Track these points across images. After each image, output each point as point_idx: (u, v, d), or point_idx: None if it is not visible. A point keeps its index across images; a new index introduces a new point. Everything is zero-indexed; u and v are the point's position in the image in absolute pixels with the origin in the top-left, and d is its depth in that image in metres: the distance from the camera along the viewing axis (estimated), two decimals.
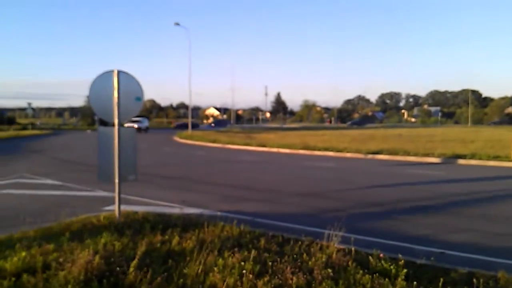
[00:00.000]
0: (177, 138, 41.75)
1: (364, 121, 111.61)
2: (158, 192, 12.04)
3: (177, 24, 45.03)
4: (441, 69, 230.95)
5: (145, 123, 59.61)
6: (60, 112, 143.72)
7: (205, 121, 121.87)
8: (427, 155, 22.41)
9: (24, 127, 64.15)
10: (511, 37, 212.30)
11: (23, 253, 5.09)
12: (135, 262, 4.77)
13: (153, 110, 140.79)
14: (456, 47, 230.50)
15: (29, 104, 61.91)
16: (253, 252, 5.47)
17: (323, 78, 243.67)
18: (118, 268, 4.74)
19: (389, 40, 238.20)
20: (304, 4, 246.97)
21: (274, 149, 28.21)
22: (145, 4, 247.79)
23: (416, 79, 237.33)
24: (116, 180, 7.29)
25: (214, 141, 34.52)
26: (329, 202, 10.93)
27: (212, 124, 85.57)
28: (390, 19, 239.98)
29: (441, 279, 4.63)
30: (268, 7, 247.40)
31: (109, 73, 7.20)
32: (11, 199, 11.00)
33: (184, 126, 74.31)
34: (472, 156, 21.31)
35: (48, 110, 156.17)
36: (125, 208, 8.97)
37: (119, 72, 7.20)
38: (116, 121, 7.23)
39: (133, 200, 10.53)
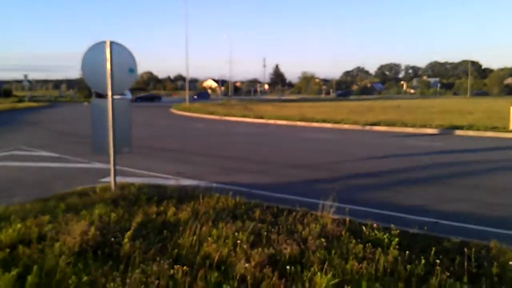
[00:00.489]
0: (174, 110, 41.57)
1: (349, 92, 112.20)
2: (155, 164, 12.06)
3: None
4: (441, 40, 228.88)
5: (128, 95, 56.52)
6: (57, 84, 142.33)
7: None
8: (424, 126, 22.41)
9: (21, 100, 63.80)
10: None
11: (19, 225, 5.11)
12: (129, 233, 4.80)
13: (150, 82, 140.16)
14: (456, 17, 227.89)
15: (25, 76, 61.89)
16: (248, 222, 5.52)
17: (322, 50, 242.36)
18: (113, 239, 4.77)
19: (388, 11, 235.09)
20: None
21: (272, 121, 28.15)
22: None
23: (416, 50, 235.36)
24: (111, 152, 7.29)
25: (211, 113, 34.40)
26: (325, 173, 10.97)
27: (195, 97, 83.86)
28: None
29: (433, 248, 4.68)
30: None
31: (101, 44, 7.10)
32: (7, 171, 11.00)
33: (147, 99, 71.95)
34: (470, 127, 21.31)
35: (45, 82, 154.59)
36: (121, 180, 8.98)
37: (111, 43, 7.10)
38: (109, 93, 7.17)
39: (129, 172, 10.55)
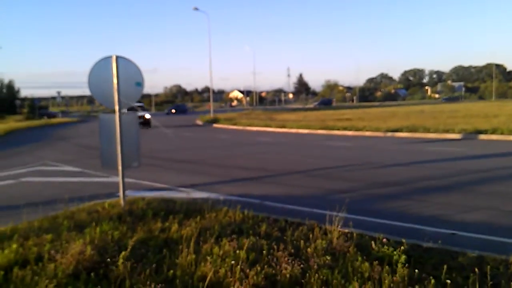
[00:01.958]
0: (199, 121, 41.69)
1: (330, 100, 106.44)
2: (172, 176, 11.90)
3: (196, 9, 44.51)
4: (465, 44, 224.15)
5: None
6: (91, 99, 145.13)
7: (227, 105, 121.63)
8: (447, 131, 21.63)
9: (54, 115, 65.30)
10: None
11: (14, 245, 4.90)
12: (124, 253, 4.51)
13: (178, 94, 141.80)
14: (479, 20, 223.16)
15: (59, 93, 63.01)
16: (251, 238, 5.19)
17: (346, 58, 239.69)
18: (109, 259, 4.51)
19: (411, 18, 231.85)
20: None
21: (293, 130, 27.76)
22: None
23: (440, 55, 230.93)
24: (119, 167, 7.09)
25: (235, 124, 34.28)
26: (343, 183, 10.53)
27: (173, 110, 70.63)
28: None
29: (445, 266, 4.24)
30: None
31: (108, 59, 6.92)
32: (29, 186, 10.97)
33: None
34: (494, 131, 20.42)
35: (80, 98, 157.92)
36: (134, 194, 8.83)
37: (117, 57, 6.92)
38: (116, 108, 6.98)
39: (145, 185, 10.40)
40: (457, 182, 10.23)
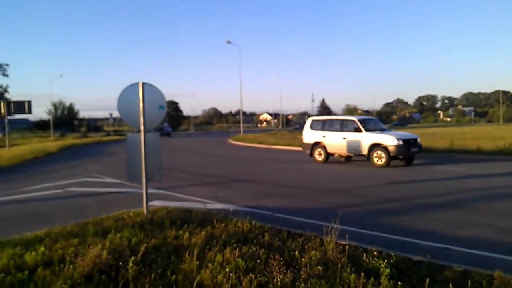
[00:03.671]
0: (230, 140, 41.83)
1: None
2: (197, 189, 11.86)
3: (229, 42, 45.08)
4: (475, 72, 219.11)
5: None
6: None
7: (259, 126, 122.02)
8: (453, 151, 20.89)
9: (108, 134, 66.96)
10: None
11: (42, 248, 4.93)
12: (134, 258, 4.46)
13: (214, 116, 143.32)
14: (488, 51, 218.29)
15: (111, 114, 64.58)
16: (252, 247, 5.05)
17: (364, 84, 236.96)
18: (121, 263, 4.47)
19: (426, 47, 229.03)
20: (344, 20, 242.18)
21: None
22: (205, 27, 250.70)
23: (451, 82, 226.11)
24: (143, 180, 7.10)
25: (261, 143, 34.16)
26: (350, 198, 10.22)
27: None
28: (428, 28, 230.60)
29: (427, 279, 3.99)
30: (313, 26, 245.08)
31: (135, 85, 7.02)
32: (72, 195, 11.15)
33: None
34: (497, 152, 19.60)
35: None
36: (161, 203, 8.84)
37: (143, 84, 7.01)
38: (142, 128, 7.03)
39: (172, 196, 10.40)
40: (457, 199, 9.79)
